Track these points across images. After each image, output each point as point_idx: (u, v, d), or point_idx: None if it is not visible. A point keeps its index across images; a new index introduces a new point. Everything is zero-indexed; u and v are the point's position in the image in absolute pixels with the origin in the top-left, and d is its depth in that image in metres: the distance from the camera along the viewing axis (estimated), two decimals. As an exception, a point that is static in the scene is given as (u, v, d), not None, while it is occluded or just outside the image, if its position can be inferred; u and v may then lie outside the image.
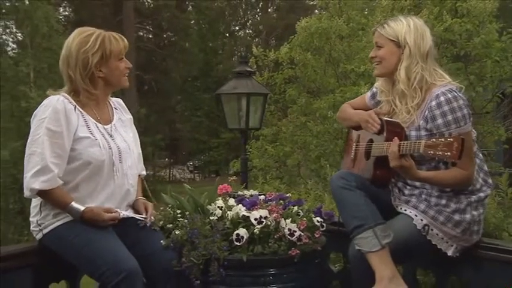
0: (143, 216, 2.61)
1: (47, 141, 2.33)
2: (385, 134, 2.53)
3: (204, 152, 30.28)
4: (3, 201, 16.87)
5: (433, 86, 2.48)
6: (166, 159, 34.00)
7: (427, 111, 2.44)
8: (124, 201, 2.58)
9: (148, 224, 2.60)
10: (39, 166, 2.32)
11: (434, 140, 2.20)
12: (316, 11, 7.16)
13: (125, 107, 2.78)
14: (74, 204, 2.38)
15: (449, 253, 2.47)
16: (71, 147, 2.39)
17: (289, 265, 2.57)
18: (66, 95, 2.47)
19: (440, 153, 2.16)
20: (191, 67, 30.20)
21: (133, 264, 2.32)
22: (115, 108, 2.70)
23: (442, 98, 2.40)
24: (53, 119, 2.36)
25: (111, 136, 2.54)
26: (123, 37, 2.59)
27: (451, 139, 2.13)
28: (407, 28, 2.52)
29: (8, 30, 23.00)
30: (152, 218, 2.64)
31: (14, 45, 23.21)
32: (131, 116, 2.79)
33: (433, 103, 2.42)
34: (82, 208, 2.38)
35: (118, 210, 2.49)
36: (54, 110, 2.37)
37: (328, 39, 6.19)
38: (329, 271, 3.08)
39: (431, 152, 2.19)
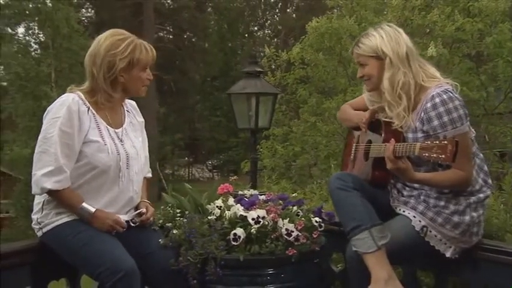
0: (139, 211, 2.61)
1: (59, 141, 2.35)
2: (383, 135, 2.54)
3: (223, 151, 30.38)
4: (24, 199, 17.22)
5: (427, 87, 2.47)
6: (186, 158, 34.23)
7: (422, 113, 2.43)
8: (126, 207, 2.58)
9: (137, 223, 2.60)
10: (53, 167, 2.33)
11: (429, 142, 2.20)
12: (336, 10, 7.12)
13: (138, 110, 2.78)
14: (85, 205, 2.41)
15: (448, 254, 2.45)
16: (80, 149, 2.41)
17: (287, 265, 2.58)
18: (81, 94, 2.46)
19: (434, 155, 2.16)
20: (210, 67, 30.37)
21: (131, 264, 2.33)
22: (127, 111, 2.69)
23: (437, 100, 2.38)
24: (67, 119, 2.37)
25: (121, 141, 2.54)
26: (152, 48, 2.57)
27: (446, 141, 2.14)
28: (381, 40, 2.51)
29: (30, 32, 23.48)
30: (150, 218, 2.64)
31: (36, 46, 23.63)
32: (143, 120, 2.79)
33: (429, 105, 2.40)
34: (92, 210, 2.41)
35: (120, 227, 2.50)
36: (69, 110, 2.37)
37: (339, 39, 6.16)
38: (330, 271, 3.07)
39: (426, 154, 2.19)
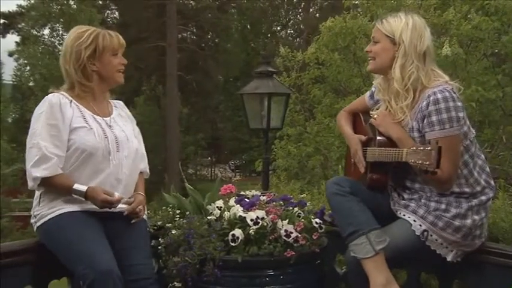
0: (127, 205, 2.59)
1: (45, 133, 2.43)
2: (377, 139, 2.51)
3: (245, 151, 30.38)
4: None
5: (428, 87, 2.41)
6: (209, 158, 34.38)
7: (419, 113, 2.39)
8: (115, 189, 2.55)
9: (125, 213, 2.56)
10: (39, 156, 2.41)
11: (414, 148, 2.18)
12: (352, 11, 7.05)
13: (125, 107, 2.85)
14: (77, 185, 2.44)
15: (449, 258, 2.41)
16: (67, 138, 2.48)
17: (286, 266, 2.58)
18: (63, 92, 2.57)
19: (420, 161, 2.13)
20: (233, 67, 30.37)
21: (107, 267, 2.31)
22: (115, 107, 2.77)
23: (431, 98, 2.34)
24: (49, 113, 2.46)
25: (109, 126, 2.60)
26: (118, 35, 2.67)
27: (430, 147, 2.11)
28: (405, 26, 2.44)
29: (55, 33, 23.86)
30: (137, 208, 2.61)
31: (61, 47, 23.95)
32: (131, 115, 2.85)
33: (424, 103, 2.37)
34: (85, 188, 2.44)
35: (117, 195, 2.49)
36: (50, 104, 2.48)
37: (354, 38, 6.11)
38: (334, 273, 3.04)
39: (413, 161, 2.16)
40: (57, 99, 2.50)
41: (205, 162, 34.32)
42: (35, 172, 2.41)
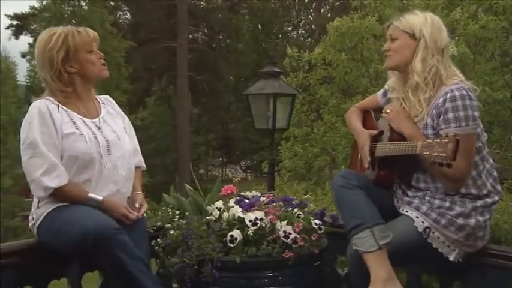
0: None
1: (42, 142, 2.38)
2: (388, 134, 2.49)
3: (256, 151, 30.38)
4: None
5: (445, 83, 2.40)
6: (220, 158, 34.45)
7: (434, 110, 2.38)
8: (113, 191, 2.53)
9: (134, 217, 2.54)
10: (46, 165, 2.35)
11: (430, 140, 2.16)
12: (360, 10, 7.04)
13: (113, 102, 2.78)
14: (91, 194, 2.42)
15: (451, 258, 2.38)
16: (60, 145, 2.43)
17: (285, 267, 2.55)
18: (48, 97, 2.50)
19: (435, 154, 2.11)
20: (243, 68, 30.40)
21: (96, 225, 2.27)
22: (102, 103, 2.70)
23: (448, 95, 2.33)
24: (41, 121, 2.41)
25: (99, 129, 2.54)
26: (88, 30, 2.57)
27: (446, 139, 2.08)
28: (424, 21, 2.44)
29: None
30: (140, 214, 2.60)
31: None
32: (120, 110, 2.79)
33: (440, 100, 2.35)
34: (100, 198, 2.42)
35: (133, 213, 2.50)
36: (40, 112, 2.41)
37: (361, 38, 6.08)
38: (335, 274, 3.03)
39: (427, 153, 2.14)
40: (44, 105, 2.43)
41: (216, 163, 34.41)
42: (47, 182, 2.34)
